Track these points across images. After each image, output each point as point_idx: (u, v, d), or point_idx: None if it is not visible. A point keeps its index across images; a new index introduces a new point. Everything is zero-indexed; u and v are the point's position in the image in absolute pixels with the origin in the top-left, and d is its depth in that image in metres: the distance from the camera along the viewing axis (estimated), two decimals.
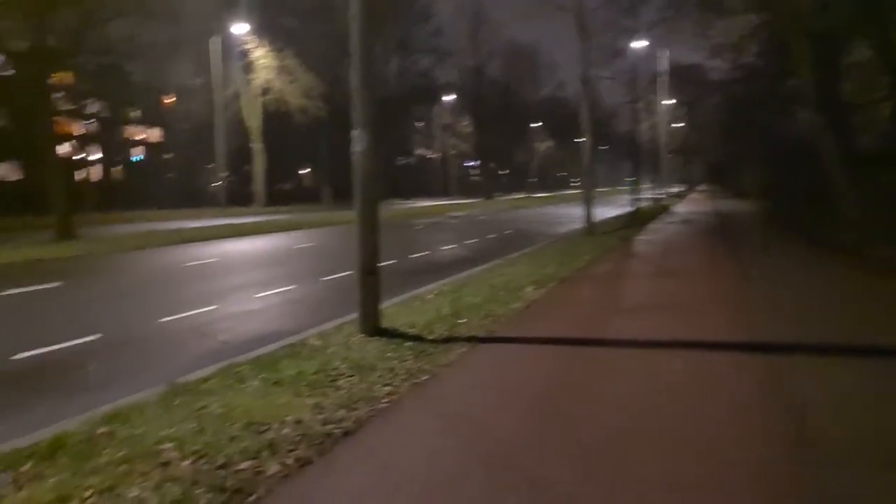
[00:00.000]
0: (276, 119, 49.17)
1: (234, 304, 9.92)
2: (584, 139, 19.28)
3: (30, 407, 5.54)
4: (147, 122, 69.39)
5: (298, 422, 4.57)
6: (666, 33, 30.66)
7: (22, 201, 42.71)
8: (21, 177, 54.65)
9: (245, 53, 44.31)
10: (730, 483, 3.58)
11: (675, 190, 70.23)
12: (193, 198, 57.34)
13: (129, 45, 36.08)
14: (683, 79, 45.11)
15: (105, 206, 46.22)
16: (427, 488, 3.56)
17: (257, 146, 47.34)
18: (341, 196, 67.70)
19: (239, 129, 48.72)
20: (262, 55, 44.16)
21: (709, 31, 30.83)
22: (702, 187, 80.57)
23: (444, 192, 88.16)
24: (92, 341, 7.63)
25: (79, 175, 46.70)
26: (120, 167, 67.69)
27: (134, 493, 3.53)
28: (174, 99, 59.87)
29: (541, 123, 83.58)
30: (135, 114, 67.90)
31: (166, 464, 3.90)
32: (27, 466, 3.94)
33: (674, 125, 59.86)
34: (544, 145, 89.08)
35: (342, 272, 12.03)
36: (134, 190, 58.95)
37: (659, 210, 31.98)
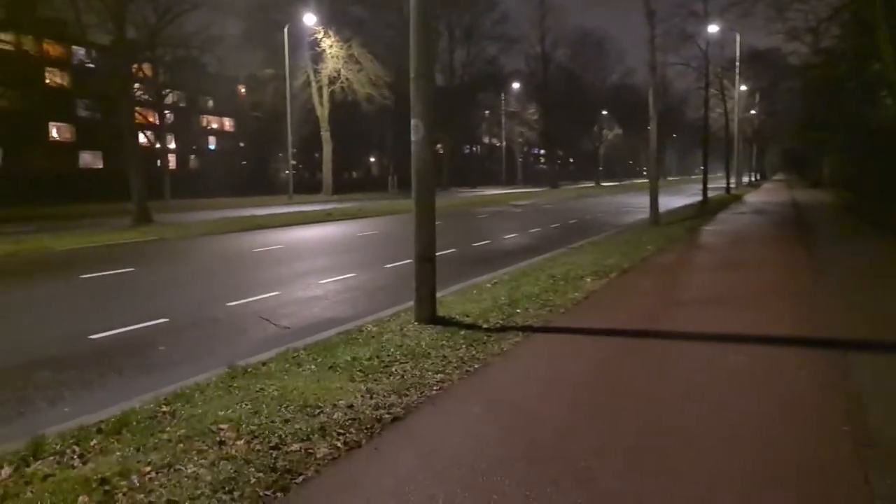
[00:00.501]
0: (344, 108, 49.87)
1: (297, 290, 10.15)
2: (651, 127, 18.83)
3: (103, 384, 5.82)
4: (221, 112, 71.53)
5: (350, 406, 4.68)
6: (739, 17, 29.70)
7: (105, 188, 44.72)
8: (103, 165, 57.33)
9: (314, 43, 44.97)
10: (779, 485, 3.49)
11: (749, 179, 68.19)
12: (264, 185, 58.82)
13: (203, 37, 37.34)
14: (758, 64, 43.63)
15: (181, 193, 47.89)
16: (470, 474, 3.60)
17: (325, 135, 48.09)
18: (406, 184, 68.41)
19: (308, 119, 49.66)
20: (330, 45, 44.75)
21: (785, 13, 29.71)
22: (778, 176, 77.92)
23: (510, 181, 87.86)
24: (161, 324, 7.95)
25: (156, 163, 48.38)
26: (195, 156, 70.08)
27: (190, 469, 3.69)
28: (246, 89, 61.36)
29: (608, 111, 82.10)
30: (209, 104, 70.06)
31: (222, 443, 4.06)
32: (95, 441, 4.15)
33: (748, 112, 58.02)
34: (612, 133, 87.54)
35: (403, 260, 12.14)
36: (208, 178, 60.88)
37: (730, 200, 31.08)
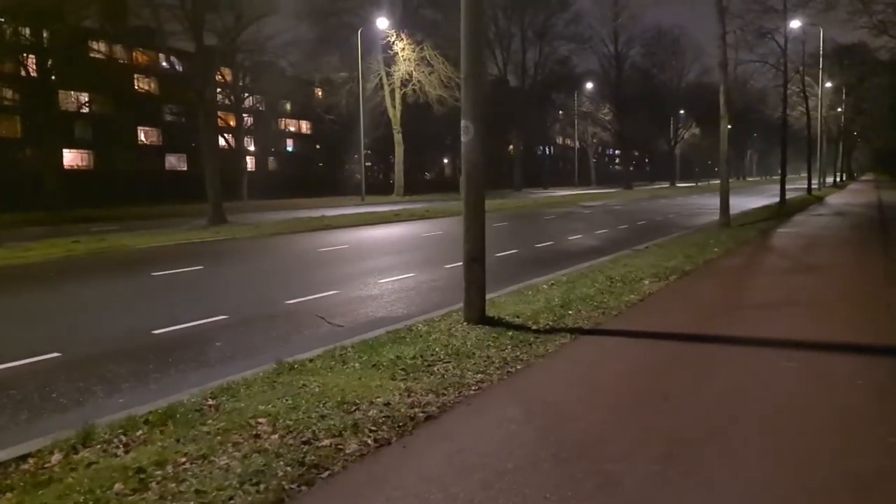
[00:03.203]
0: (416, 110, 50.35)
1: (356, 289, 10.32)
2: (721, 126, 18.27)
3: (158, 377, 6.06)
4: (299, 115, 73.36)
5: (387, 404, 4.73)
6: (821, 11, 28.48)
7: (188, 189, 46.54)
8: (186, 167, 59.69)
9: (387, 46, 45.54)
10: (819, 501, 3.35)
11: (834, 179, 65.34)
12: (339, 187, 59.96)
13: (278, 42, 38.43)
14: (843, 60, 41.70)
15: (258, 194, 49.35)
16: (495, 475, 3.59)
17: (397, 137, 48.65)
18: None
19: (381, 121, 50.36)
20: (402, 47, 45.23)
21: (871, 6, 28.32)
22: (866, 177, 74.37)
23: (584, 182, 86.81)
24: (221, 321, 8.22)
25: (235, 165, 50.03)
26: (273, 158, 72.11)
27: (223, 461, 3.81)
28: (323, 92, 62.74)
29: (685, 110, 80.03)
30: (287, 107, 71.98)
31: (258, 436, 4.17)
32: (140, 432, 4.34)
33: (833, 110, 55.55)
34: (689, 133, 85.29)
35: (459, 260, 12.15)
36: (285, 179, 62.57)
37: (810, 201, 29.86)
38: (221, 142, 50.27)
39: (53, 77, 37.76)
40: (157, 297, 10.15)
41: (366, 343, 6.50)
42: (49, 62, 37.15)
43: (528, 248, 15.30)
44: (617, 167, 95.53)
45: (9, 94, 40.46)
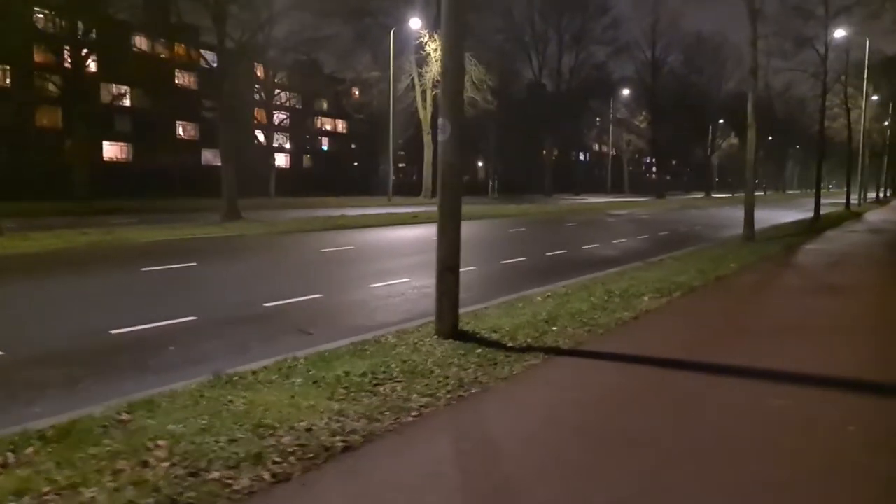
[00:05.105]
0: (462, 114, 49.76)
1: (342, 294, 9.87)
2: (748, 135, 17.45)
3: (91, 384, 5.64)
4: (334, 114, 73.48)
5: (308, 429, 4.22)
6: (865, 19, 27.27)
7: (220, 185, 46.68)
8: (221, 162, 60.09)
9: (419, 47, 45.19)
10: None
11: (876, 195, 63.30)
12: (371, 186, 59.79)
13: (306, 39, 38.22)
14: (890, 71, 40.14)
15: (291, 191, 49.39)
16: None
17: (426, 138, 48.25)
18: (509, 189, 67.84)
19: (412, 121, 50.05)
20: (435, 48, 44.81)
21: None
22: None
23: (617, 189, 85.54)
24: (188, 322, 7.80)
25: (265, 162, 50.08)
26: (308, 156, 72.33)
27: (90, 494, 3.34)
28: (358, 92, 62.65)
29: (723, 119, 78.22)
30: (324, 106, 72.14)
31: (146, 464, 3.69)
32: (30, 450, 3.89)
33: (878, 123, 53.66)
34: (727, 142, 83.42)
35: (463, 267, 11.62)
36: (319, 178, 62.70)
37: (847, 216, 28.69)
38: (259, 138, 50.58)
39: (93, 68, 38.07)
40: (134, 294, 9.80)
41: (321, 355, 6.00)
42: (84, 52, 37.46)
43: (537, 257, 14.71)
44: (652, 175, 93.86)
45: (51, 85, 40.93)
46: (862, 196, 50.80)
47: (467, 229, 21.09)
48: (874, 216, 31.86)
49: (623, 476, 3.64)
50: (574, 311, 8.06)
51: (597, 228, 24.50)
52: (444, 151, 6.65)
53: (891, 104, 51.03)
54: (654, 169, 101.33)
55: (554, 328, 7.19)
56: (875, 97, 46.22)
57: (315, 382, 5.19)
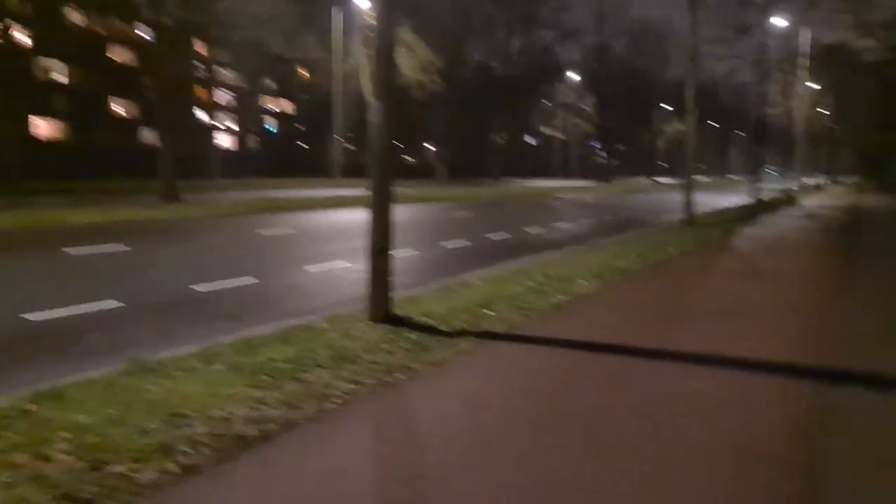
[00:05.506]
0: (395, 94, 49.35)
1: (278, 277, 9.70)
2: (687, 121, 17.72)
3: (20, 369, 5.38)
4: (281, 94, 72.17)
5: (225, 419, 4.07)
6: (803, 8, 27.94)
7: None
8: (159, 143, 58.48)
9: (368, 27, 44.61)
10: None
11: (814, 181, 65.24)
12: (321, 168, 58.99)
13: (259, 18, 37.30)
14: (827, 60, 41.21)
15: (237, 173, 48.38)
16: None
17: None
18: (458, 173, 67.79)
19: (362, 103, 49.42)
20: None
21: (856, 5, 27.78)
22: (848, 179, 74.44)
23: (566, 174, 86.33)
24: (113, 308, 7.51)
25: (205, 142, 48.97)
26: (254, 137, 70.97)
27: None
28: (307, 72, 61.55)
29: (670, 105, 79.46)
30: (270, 86, 70.74)
31: (47, 458, 3.50)
32: None
33: (817, 110, 55.15)
34: (674, 128, 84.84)
35: (401, 250, 11.51)
36: (267, 159, 61.56)
37: (784, 202, 29.46)
38: (202, 117, 49.35)
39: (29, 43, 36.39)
40: (58, 278, 9.42)
41: (247, 341, 5.83)
42: (9, 23, 35.82)
43: (480, 240, 14.68)
44: (601, 160, 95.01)
45: None
46: (801, 182, 52.23)
47: (411, 212, 21.01)
48: (810, 201, 32.81)
49: (544, 462, 3.60)
50: (511, 294, 8.04)
51: (542, 212, 24.64)
52: (377, 133, 6.51)
53: (830, 93, 52.41)
54: (602, 154, 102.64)
55: (489, 312, 7.14)
56: (814, 85, 47.40)
57: (237, 369, 5.02)
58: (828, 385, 4.98)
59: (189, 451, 3.63)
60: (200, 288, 8.67)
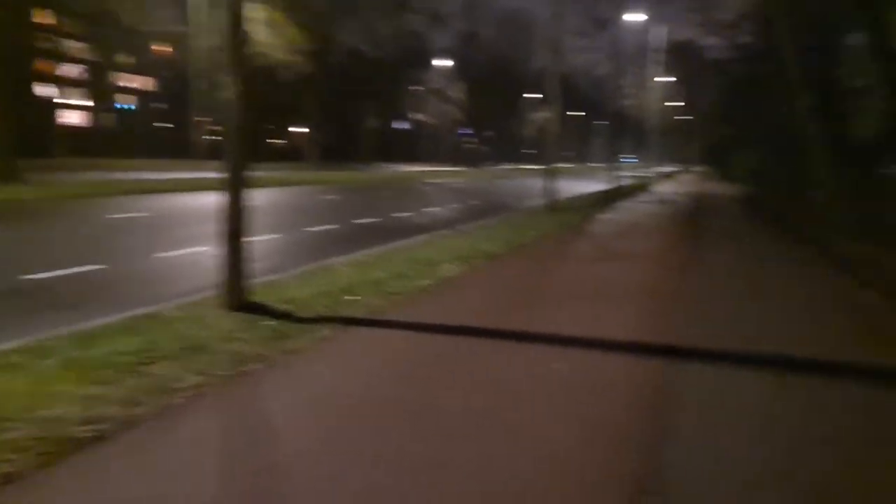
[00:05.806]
0: (263, 75, 47.77)
1: (128, 264, 9.09)
2: (551, 110, 18.27)
3: None
4: (140, 70, 67.94)
5: (54, 419, 3.72)
6: (656, 5, 29.44)
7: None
8: None
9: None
10: None
11: (667, 170, 69.33)
12: (181, 150, 56.19)
13: None
14: (680, 56, 43.81)
15: (87, 152, 45.12)
16: None
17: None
18: (329, 157, 66.69)
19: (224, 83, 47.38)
20: (247, 7, 42.66)
21: (706, 5, 29.58)
22: (697, 168, 79.62)
23: (437, 159, 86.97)
24: None
25: (46, 118, 45.37)
26: (109, 114, 66.43)
27: None
28: (171, 48, 58.23)
29: (537, 94, 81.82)
30: (128, 61, 66.38)
31: None
32: None
33: (672, 103, 58.51)
34: (541, 116, 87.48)
35: (264, 234, 11.14)
36: (121, 138, 57.82)
37: (638, 188, 31.08)
38: (47, 92, 45.54)
39: None
40: None
41: (87, 333, 5.40)
42: None
43: (347, 224, 14.46)
44: (471, 146, 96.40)
45: None
46: (655, 171, 55.33)
47: (277, 196, 20.42)
48: (662, 188, 34.83)
49: (402, 449, 3.54)
50: (375, 279, 7.93)
51: (411, 197, 24.68)
52: (231, 111, 6.20)
53: (684, 86, 55.70)
54: (472, 140, 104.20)
55: (352, 298, 7.00)
56: (668, 79, 50.19)
57: (72, 364, 4.62)
58: (674, 362, 5.24)
59: (11, 456, 3.28)
60: (38, 276, 7.98)
